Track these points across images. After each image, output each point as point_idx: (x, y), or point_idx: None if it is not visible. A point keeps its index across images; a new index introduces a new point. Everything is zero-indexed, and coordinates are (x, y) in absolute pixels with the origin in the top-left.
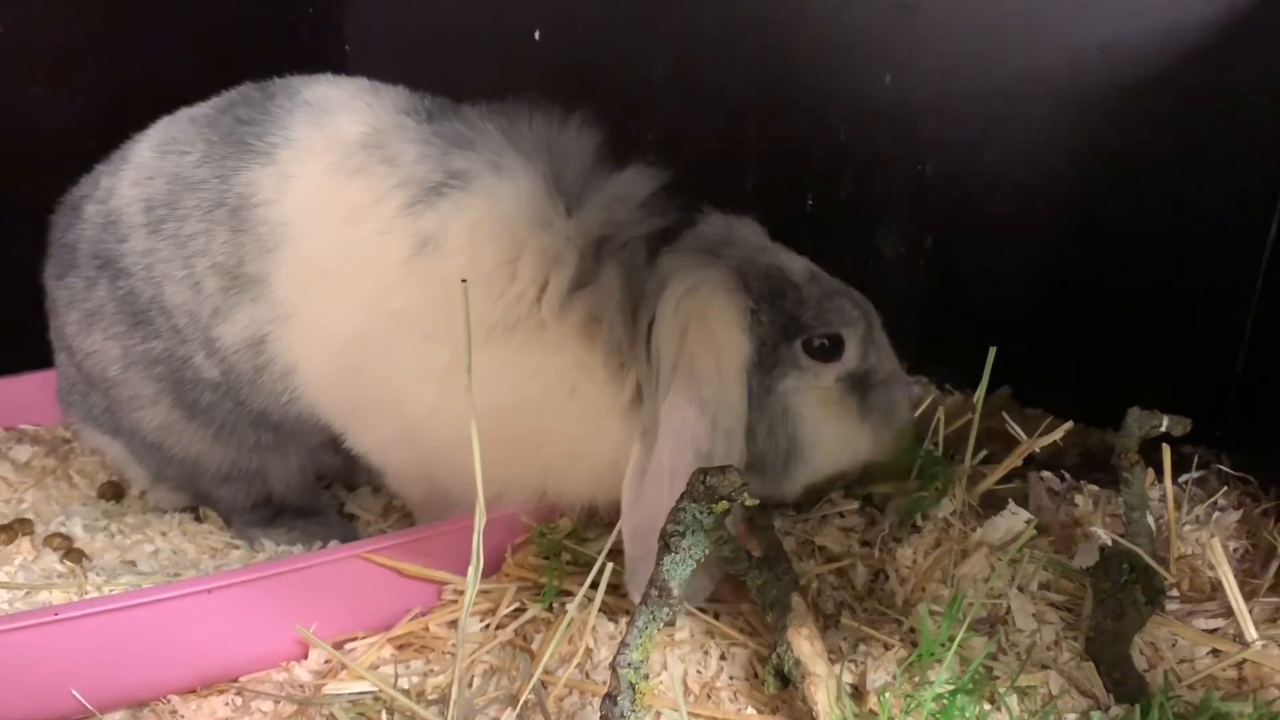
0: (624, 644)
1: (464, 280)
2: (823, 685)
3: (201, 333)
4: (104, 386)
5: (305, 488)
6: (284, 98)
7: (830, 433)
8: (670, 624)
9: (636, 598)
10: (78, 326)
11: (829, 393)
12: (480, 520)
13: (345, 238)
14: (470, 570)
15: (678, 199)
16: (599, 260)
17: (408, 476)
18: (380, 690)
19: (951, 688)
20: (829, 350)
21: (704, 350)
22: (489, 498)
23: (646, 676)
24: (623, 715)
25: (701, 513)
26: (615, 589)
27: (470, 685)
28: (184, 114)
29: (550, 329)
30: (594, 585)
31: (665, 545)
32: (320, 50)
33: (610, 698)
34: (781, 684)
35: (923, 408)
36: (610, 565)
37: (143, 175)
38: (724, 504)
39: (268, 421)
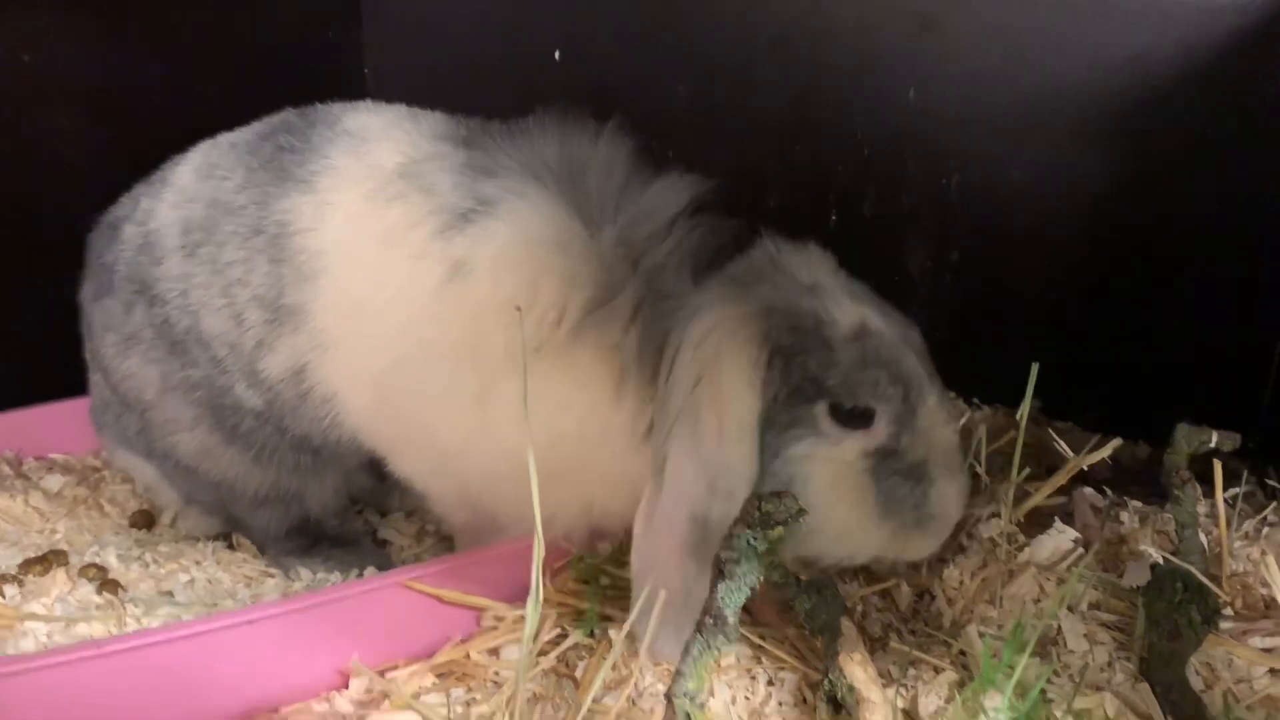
0: (678, 673)
1: (518, 308)
2: (879, 712)
3: (244, 364)
4: (140, 409)
5: (340, 510)
6: (325, 126)
7: (838, 517)
8: (724, 650)
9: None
10: (115, 349)
11: (847, 469)
12: (539, 552)
13: (380, 264)
14: (530, 604)
15: (721, 214)
16: (624, 281)
17: (449, 503)
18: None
19: (1009, 714)
20: (857, 418)
21: (709, 403)
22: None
23: (702, 706)
24: None
25: (756, 538)
26: None
27: (513, 716)
28: (225, 139)
29: (573, 355)
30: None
31: (720, 572)
32: (339, 74)
33: None
34: (835, 710)
35: (960, 423)
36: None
37: (182, 198)
38: (780, 529)
39: (308, 445)
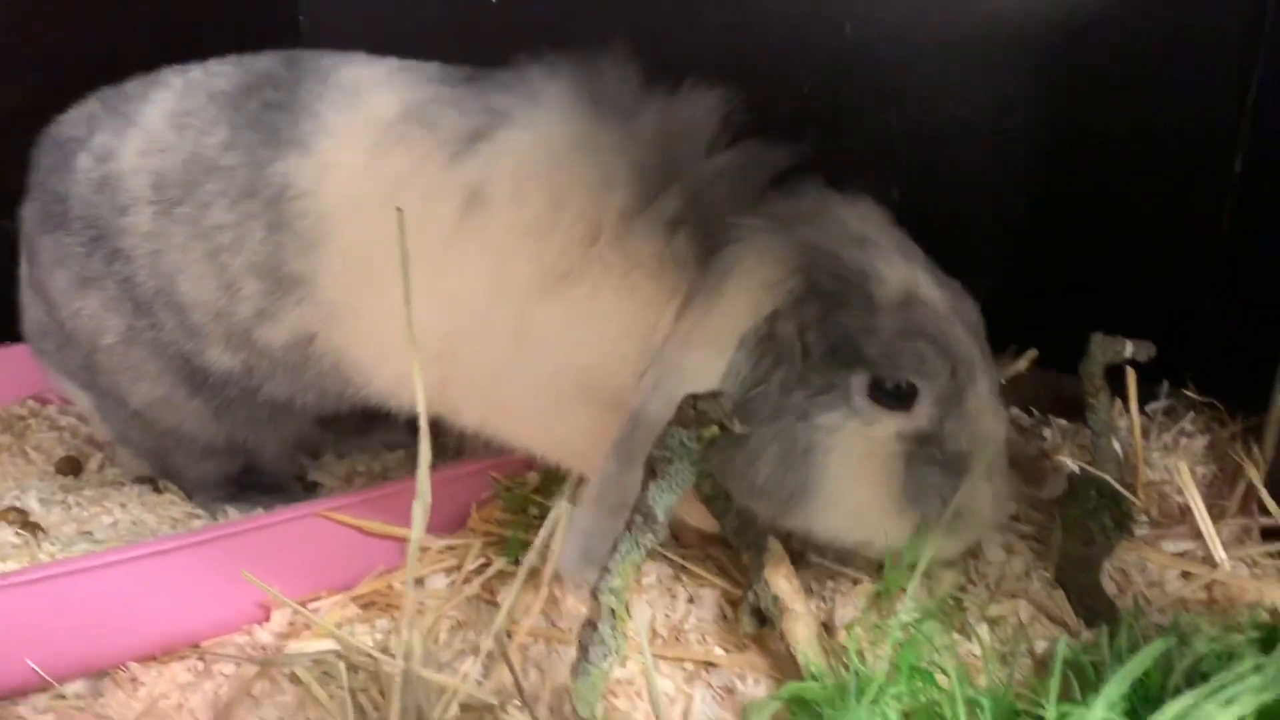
0: (605, 570)
1: (399, 209)
2: (801, 621)
3: (228, 331)
4: (88, 349)
5: (290, 460)
6: (314, 80)
7: (859, 498)
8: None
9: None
10: (67, 286)
11: (878, 449)
12: (425, 457)
13: (390, 218)
14: (415, 510)
15: (757, 140)
16: (664, 184)
17: (525, 443)
18: (343, 648)
19: (917, 618)
20: (898, 396)
21: (697, 308)
22: (578, 460)
23: (626, 604)
24: (603, 641)
25: (690, 439)
26: None
27: (436, 641)
28: (200, 85)
29: (615, 268)
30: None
31: (651, 471)
32: (273, 16)
33: (590, 624)
34: (759, 623)
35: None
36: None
37: (153, 146)
38: (714, 429)
39: (283, 404)
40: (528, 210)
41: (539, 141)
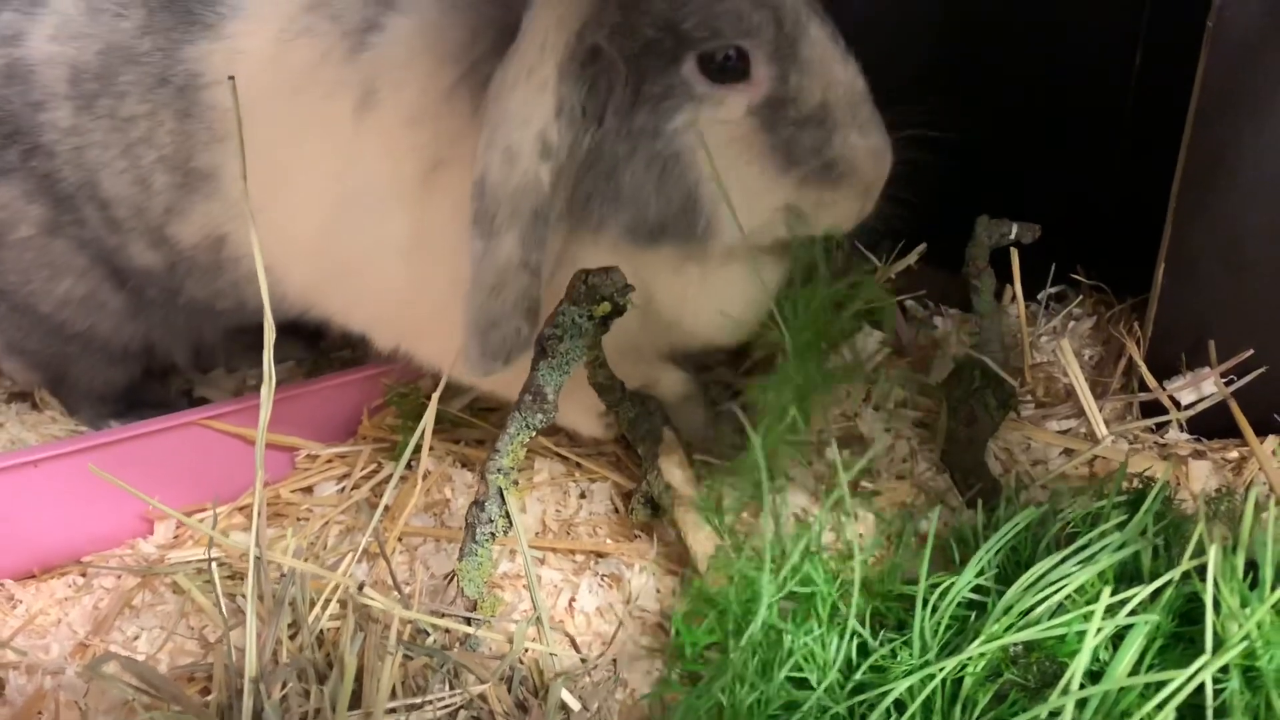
0: (494, 450)
1: (230, 77)
2: (693, 507)
3: (147, 226)
4: None
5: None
6: None
7: (737, 182)
8: (541, 430)
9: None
10: None
11: (735, 129)
12: (269, 356)
13: (294, 114)
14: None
15: None
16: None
17: (435, 356)
18: (224, 555)
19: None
20: (731, 69)
21: (509, 53)
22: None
23: (516, 483)
24: (490, 520)
25: (581, 315)
26: (479, 444)
27: (325, 546)
28: None
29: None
30: (453, 440)
31: (541, 350)
32: None
33: (478, 504)
34: (651, 512)
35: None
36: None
37: (66, 32)
38: (606, 305)
39: (204, 306)
40: (407, 100)
41: (418, 25)
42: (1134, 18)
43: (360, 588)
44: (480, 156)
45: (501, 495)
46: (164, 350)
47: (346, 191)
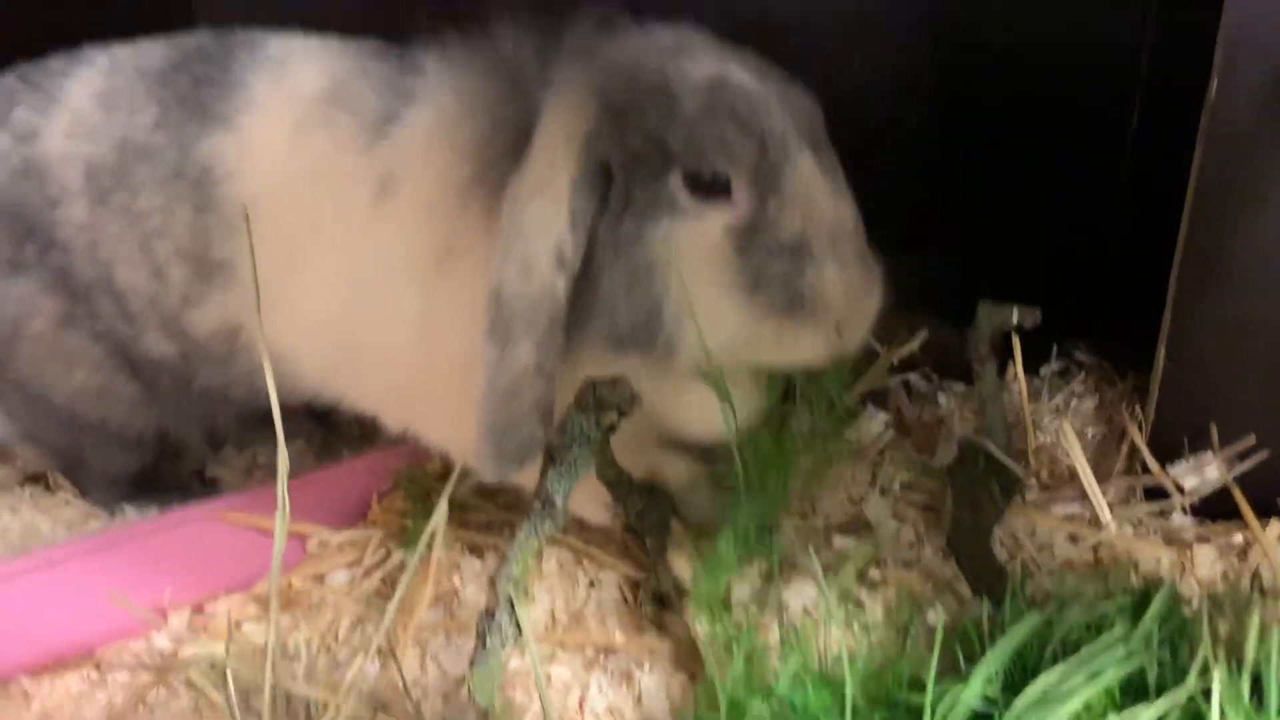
0: (505, 558)
1: (245, 216)
2: (704, 604)
3: (161, 317)
4: (8, 336)
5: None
6: (245, 53)
7: (703, 301)
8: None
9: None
10: None
11: (711, 248)
12: (283, 467)
13: (311, 203)
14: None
15: None
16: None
17: (440, 437)
18: (237, 651)
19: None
20: (714, 187)
21: (519, 171)
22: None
23: (526, 592)
24: (501, 629)
25: (590, 424)
26: (486, 527)
27: (336, 638)
28: (127, 62)
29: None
30: (460, 524)
31: (550, 458)
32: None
33: (488, 614)
34: (660, 606)
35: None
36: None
37: (82, 129)
38: (613, 415)
39: (219, 394)
40: (424, 188)
41: (436, 119)
42: (1131, 85)
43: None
44: (496, 268)
45: (512, 605)
46: (177, 435)
47: (360, 275)
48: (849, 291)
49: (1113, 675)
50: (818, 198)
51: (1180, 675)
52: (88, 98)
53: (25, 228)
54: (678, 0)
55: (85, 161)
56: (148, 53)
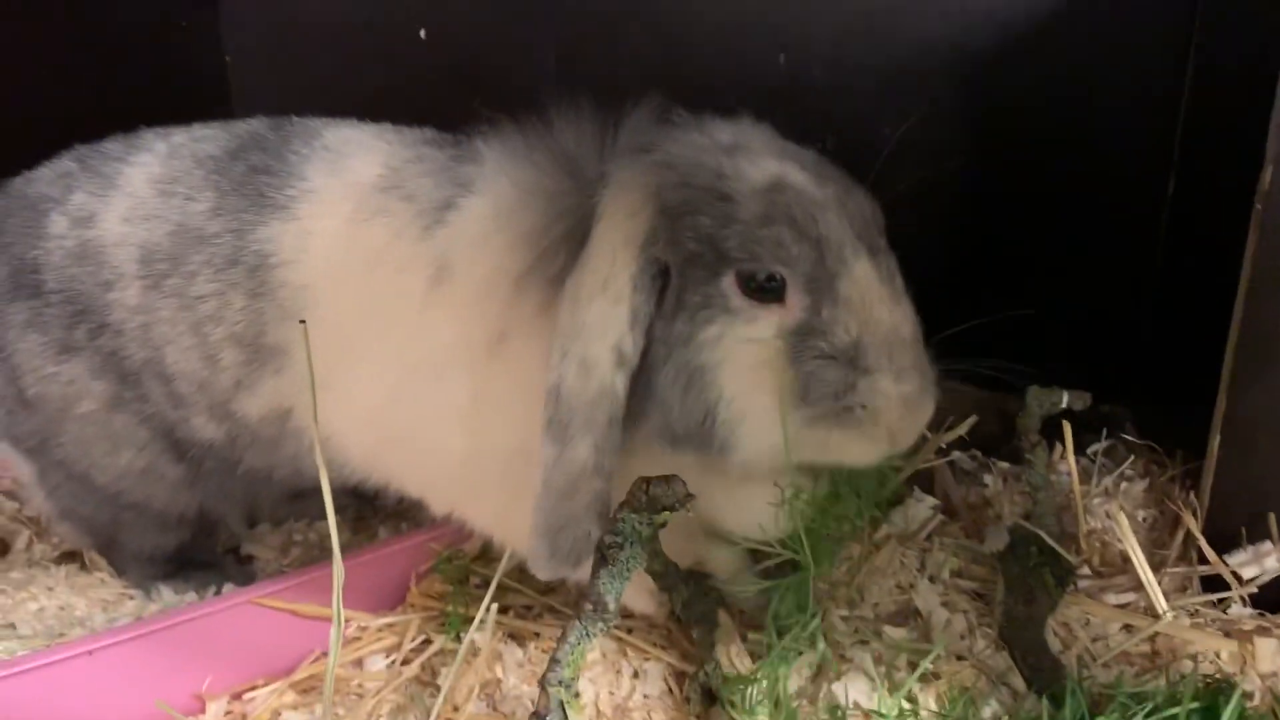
0: (554, 660)
1: (302, 321)
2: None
3: (211, 401)
4: (55, 416)
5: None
6: (301, 142)
7: (755, 405)
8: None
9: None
10: (40, 350)
11: (763, 350)
12: (339, 573)
13: (367, 290)
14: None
15: None
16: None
17: (484, 523)
18: None
19: (867, 692)
20: (767, 290)
21: (576, 269)
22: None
23: (578, 695)
24: None
25: (642, 523)
26: (527, 610)
27: None
28: (185, 149)
29: (542, 323)
30: (500, 609)
31: (602, 558)
32: (198, 58)
33: (539, 716)
34: (709, 701)
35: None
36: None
37: (138, 214)
38: (666, 515)
39: (262, 475)
40: (479, 275)
41: (493, 208)
42: (1165, 156)
43: None
44: (555, 366)
45: (564, 709)
46: (217, 514)
47: (413, 358)
48: (904, 403)
49: None
50: (874, 306)
51: None
52: (145, 183)
53: (78, 310)
54: (713, 71)
55: (141, 246)
56: (205, 139)
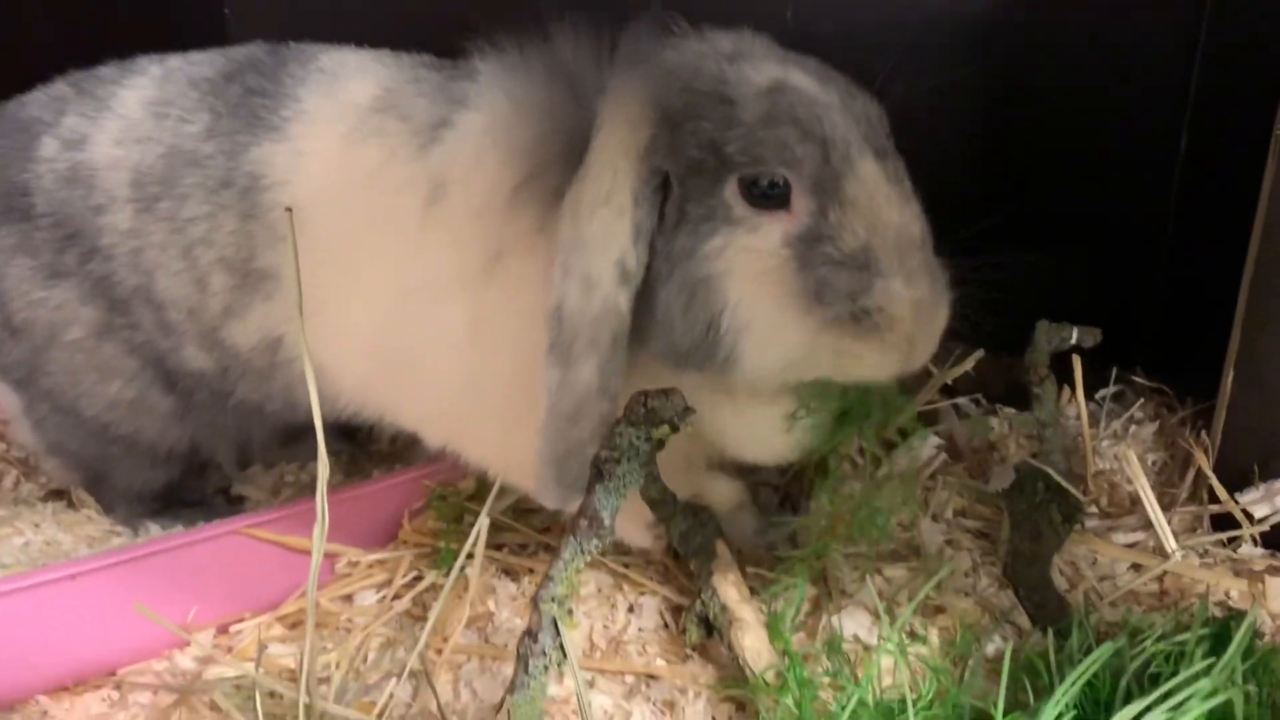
0: (548, 577)
1: (288, 209)
2: (750, 630)
3: (201, 329)
4: (42, 344)
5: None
6: (297, 65)
7: (763, 317)
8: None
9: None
10: (29, 275)
11: (769, 260)
12: (323, 475)
13: (362, 212)
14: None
15: None
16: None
17: (481, 456)
18: (259, 674)
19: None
20: (772, 196)
21: (575, 182)
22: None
23: (571, 612)
24: (544, 653)
25: (640, 438)
26: (521, 549)
27: (365, 660)
28: (179, 71)
29: (541, 244)
30: (495, 546)
31: (598, 472)
32: (197, 13)
33: (530, 634)
34: (706, 632)
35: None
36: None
37: (131, 136)
38: (665, 429)
39: (254, 408)
40: (475, 192)
41: (489, 123)
42: (1180, 108)
43: None
44: (557, 284)
45: (556, 626)
46: (208, 450)
47: (409, 283)
48: (917, 306)
49: (1198, 710)
50: (882, 206)
51: (1268, 709)
52: (138, 105)
53: (68, 234)
54: (727, 12)
55: (133, 169)
56: (200, 63)
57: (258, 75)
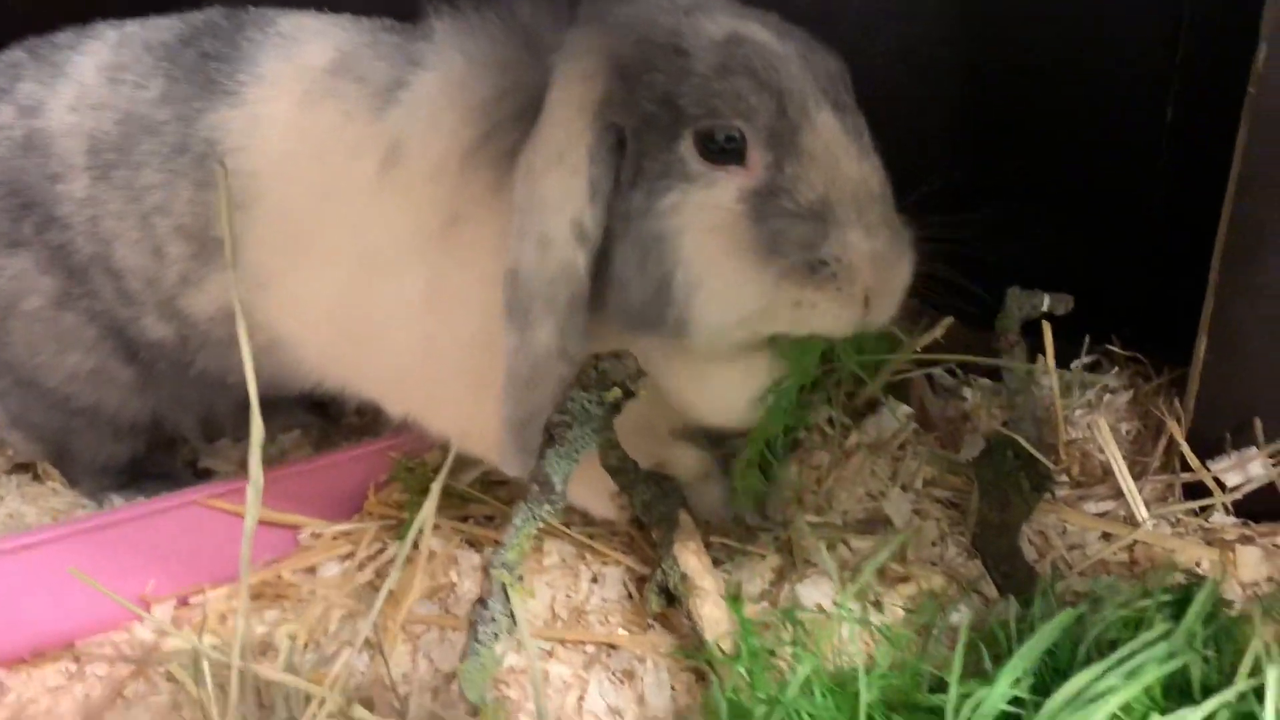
0: (499, 543)
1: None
2: (709, 599)
3: (160, 298)
4: (1, 314)
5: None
6: (255, 29)
7: (717, 272)
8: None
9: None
10: None
11: (724, 215)
12: (257, 443)
13: (318, 177)
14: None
15: None
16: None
17: (441, 426)
18: (219, 644)
19: (831, 597)
20: (727, 150)
21: (529, 141)
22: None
23: (521, 578)
24: (494, 619)
25: (592, 402)
26: (488, 520)
27: (326, 632)
28: (136, 35)
29: (497, 205)
30: (460, 518)
31: (549, 436)
32: None
33: (480, 602)
34: (666, 601)
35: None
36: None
37: (86, 102)
38: (617, 391)
39: (216, 380)
40: (430, 153)
41: (443, 82)
42: (1165, 71)
43: (349, 702)
44: (512, 246)
45: (506, 592)
46: (172, 423)
47: (366, 249)
48: (875, 258)
49: (1154, 674)
50: (840, 159)
51: (1227, 676)
52: (94, 71)
53: (24, 202)
54: None
55: (89, 135)
56: (157, 28)
57: (214, 39)
